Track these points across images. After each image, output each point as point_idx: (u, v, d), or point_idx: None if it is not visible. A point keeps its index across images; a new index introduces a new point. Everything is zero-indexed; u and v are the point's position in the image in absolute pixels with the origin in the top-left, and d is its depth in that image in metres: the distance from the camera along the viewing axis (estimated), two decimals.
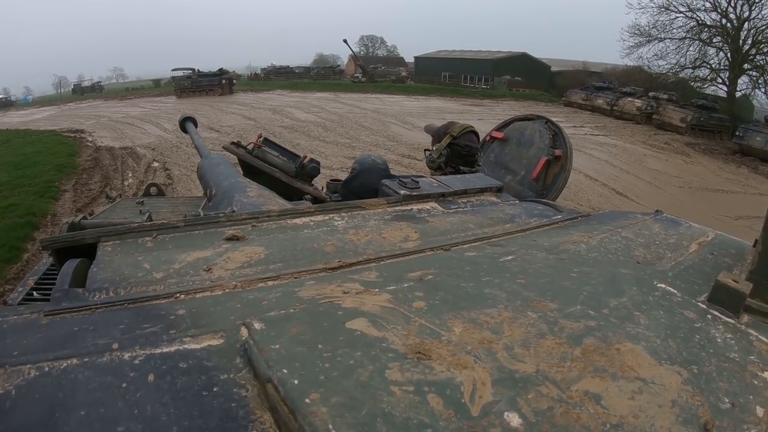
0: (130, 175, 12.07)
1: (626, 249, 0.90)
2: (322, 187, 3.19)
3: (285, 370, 0.47)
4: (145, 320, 0.60)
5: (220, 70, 35.67)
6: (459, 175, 1.57)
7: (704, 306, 0.70)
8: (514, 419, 0.43)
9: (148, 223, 0.96)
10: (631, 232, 1.00)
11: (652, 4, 26.23)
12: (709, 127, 20.27)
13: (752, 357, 0.60)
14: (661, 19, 26.28)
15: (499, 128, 3.18)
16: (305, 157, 3.05)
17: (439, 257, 0.86)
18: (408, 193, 1.23)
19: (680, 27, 26.13)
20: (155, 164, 13.15)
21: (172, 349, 0.54)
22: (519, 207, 1.29)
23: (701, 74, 26.66)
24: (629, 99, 23.39)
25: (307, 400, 0.43)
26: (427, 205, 1.21)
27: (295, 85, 39.57)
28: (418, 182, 1.31)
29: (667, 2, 25.72)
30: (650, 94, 23.62)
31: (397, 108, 23.89)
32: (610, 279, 0.74)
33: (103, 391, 0.47)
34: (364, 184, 1.92)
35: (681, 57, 26.44)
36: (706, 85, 26.76)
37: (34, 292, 1.72)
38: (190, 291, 0.69)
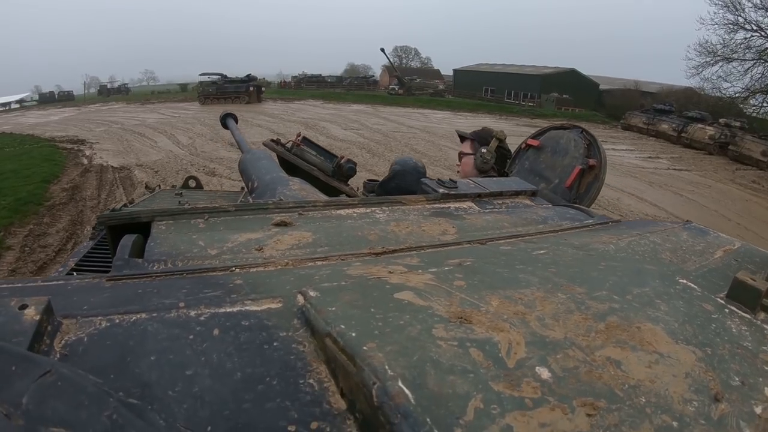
0: None
1: (653, 251, 0.92)
2: (358, 188, 3.31)
3: (342, 326, 0.50)
4: (206, 287, 0.63)
5: (248, 76, 33.25)
6: (495, 178, 1.58)
7: (722, 301, 0.72)
8: (544, 372, 0.48)
9: (200, 207, 0.97)
10: (659, 237, 1.03)
11: (725, 20, 22.64)
12: None
13: (765, 347, 0.62)
14: (734, 37, 22.83)
15: (535, 136, 3.15)
16: (342, 158, 3.20)
17: (476, 249, 0.89)
18: (446, 191, 1.26)
19: (751, 48, 22.71)
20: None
21: (235, 309, 0.57)
22: (552, 210, 1.31)
23: None
24: (699, 126, 20.82)
25: (364, 348, 0.47)
26: (464, 204, 1.24)
27: (328, 95, 37.29)
28: (456, 183, 1.34)
29: (741, 20, 22.27)
30: (721, 120, 20.99)
31: (447, 127, 20.68)
32: (635, 272, 0.78)
33: (172, 341, 0.50)
34: (401, 186, 1.94)
35: (751, 80, 23.00)
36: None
37: (74, 273, 1.75)
38: (244, 265, 0.72)
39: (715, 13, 22.89)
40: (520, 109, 32.14)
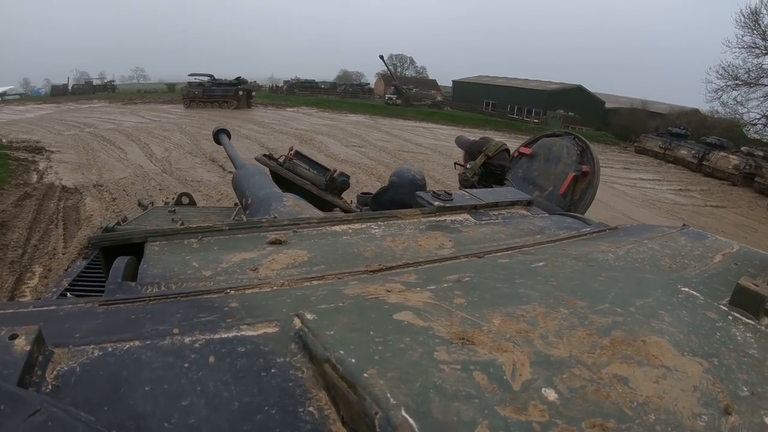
0: (36, 279, 6.45)
1: (652, 258, 0.92)
2: (352, 201, 3.33)
3: (341, 351, 0.50)
4: (200, 311, 0.62)
5: (238, 78, 30.89)
6: (490, 189, 1.57)
7: (725, 308, 0.72)
8: (551, 394, 0.47)
9: (193, 227, 0.95)
10: (658, 243, 1.02)
11: (753, 44, 21.37)
12: None
13: None
14: (761, 62, 21.57)
15: (527, 144, 3.17)
16: (335, 171, 3.22)
17: (474, 263, 0.88)
18: (442, 204, 1.25)
19: None
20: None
21: (230, 335, 0.56)
22: (548, 219, 1.30)
23: None
24: (722, 154, 19.75)
25: (365, 375, 0.46)
26: (460, 217, 1.24)
27: (322, 102, 35.31)
28: (451, 195, 1.32)
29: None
30: (743, 149, 20.07)
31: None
32: (636, 282, 0.77)
33: (166, 370, 0.49)
34: (394, 199, 1.94)
35: None
36: None
37: (68, 293, 1.77)
38: (239, 287, 0.71)
39: (741, 37, 21.31)
40: (528, 126, 30.25)
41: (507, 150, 2.25)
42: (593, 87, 39.42)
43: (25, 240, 7.61)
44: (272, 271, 0.80)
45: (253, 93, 32.70)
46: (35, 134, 18.58)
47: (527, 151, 3.08)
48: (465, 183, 2.20)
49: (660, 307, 0.68)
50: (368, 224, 1.09)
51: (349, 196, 3.65)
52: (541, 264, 0.83)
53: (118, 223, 2.33)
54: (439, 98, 41.78)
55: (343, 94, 41.59)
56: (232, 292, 0.69)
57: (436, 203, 1.26)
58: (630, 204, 12.93)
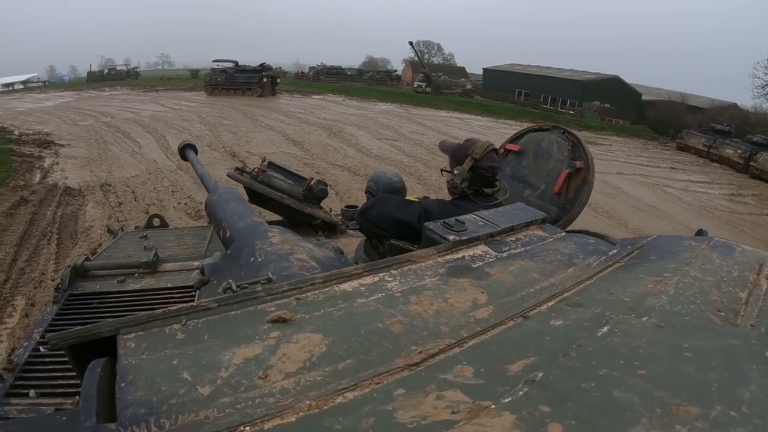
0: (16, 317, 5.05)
1: (702, 293, 0.90)
2: (331, 209, 3.28)
3: None
4: None
5: (262, 65, 29.63)
6: (500, 209, 1.45)
7: None
8: None
9: (174, 308, 0.79)
10: (698, 269, 1.00)
11: None
12: None
13: None
14: None
15: (512, 140, 3.00)
16: (312, 179, 3.02)
17: (525, 331, 0.78)
18: (457, 238, 1.15)
19: None
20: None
21: None
22: (571, 243, 1.24)
23: None
24: None
25: None
26: (478, 250, 1.14)
27: (349, 90, 33.82)
28: (463, 223, 1.22)
29: None
30: None
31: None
32: (726, 358, 0.68)
33: None
34: (383, 214, 1.82)
35: None
36: None
37: (41, 347, 1.62)
38: (254, 420, 0.56)
39: None
40: (564, 119, 28.04)
41: (495, 150, 2.03)
42: (629, 77, 37.42)
43: (11, 261, 6.26)
44: (287, 376, 0.63)
45: (278, 80, 31.33)
46: (49, 125, 17.60)
47: (515, 147, 2.90)
48: (454, 190, 2.02)
49: (765, 395, 0.56)
50: (381, 276, 0.95)
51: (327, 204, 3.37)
52: (606, 330, 0.73)
53: (87, 258, 2.08)
54: (468, 86, 40.07)
55: (370, 81, 40.27)
56: (247, 429, 0.53)
57: (451, 237, 1.12)
58: (688, 213, 11.28)
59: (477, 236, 1.17)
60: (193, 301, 1.52)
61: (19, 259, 6.36)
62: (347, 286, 0.90)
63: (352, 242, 2.68)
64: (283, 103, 25.42)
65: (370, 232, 1.95)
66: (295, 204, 2.91)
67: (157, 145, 13.85)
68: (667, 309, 0.82)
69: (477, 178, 1.98)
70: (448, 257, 1.08)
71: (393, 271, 0.97)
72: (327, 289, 0.89)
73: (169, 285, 1.95)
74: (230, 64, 29.22)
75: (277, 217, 3.08)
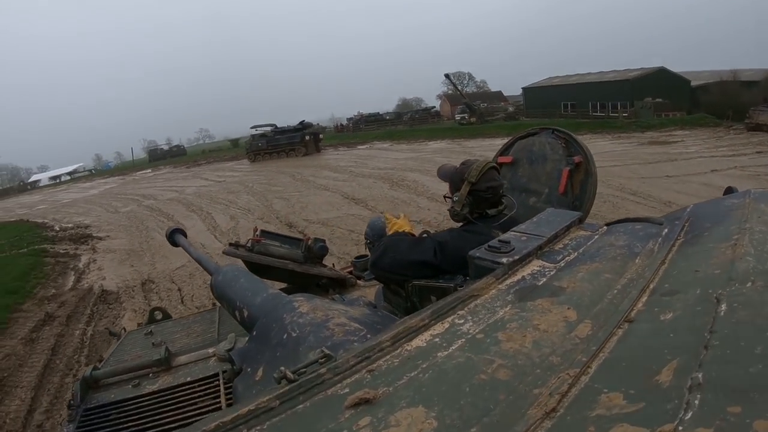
0: None
1: None
2: (333, 264, 3.18)
3: None
4: None
5: (302, 123, 28.80)
6: (534, 219, 1.39)
7: None
8: None
9: (228, 418, 0.63)
10: (759, 222, 0.95)
11: None
12: None
13: None
14: None
15: (502, 152, 2.95)
16: (308, 239, 2.85)
17: (641, 334, 0.70)
18: (511, 259, 1.06)
19: None
20: None
21: None
22: (621, 234, 1.18)
23: None
24: None
25: None
26: (534, 266, 1.07)
27: (393, 134, 32.84)
28: (508, 242, 1.14)
29: None
30: None
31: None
32: None
33: None
34: (396, 259, 1.74)
35: None
36: None
37: None
38: None
39: None
40: (621, 124, 26.60)
41: (494, 167, 1.86)
42: (672, 65, 34.87)
43: (26, 414, 4.52)
44: None
45: (321, 135, 30.55)
46: (90, 215, 16.87)
47: (507, 159, 2.79)
48: (456, 217, 1.88)
49: None
50: (450, 320, 0.85)
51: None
52: (725, 308, 0.66)
53: (95, 368, 1.80)
54: (510, 109, 38.63)
55: (411, 122, 39.61)
56: None
57: (504, 260, 1.05)
58: None
59: (528, 252, 1.09)
60: (217, 392, 1.39)
61: (37, 410, 4.60)
62: (419, 342, 0.79)
63: (366, 293, 2.43)
64: (331, 158, 24.22)
65: (387, 279, 1.82)
66: (299, 267, 2.65)
67: (203, 225, 12.28)
68: (761, 268, 0.77)
69: (478, 201, 1.83)
70: (508, 282, 1.00)
71: (460, 312, 0.88)
72: (397, 350, 0.77)
73: (189, 379, 1.57)
74: (269, 128, 28.76)
75: (281, 285, 2.59)
